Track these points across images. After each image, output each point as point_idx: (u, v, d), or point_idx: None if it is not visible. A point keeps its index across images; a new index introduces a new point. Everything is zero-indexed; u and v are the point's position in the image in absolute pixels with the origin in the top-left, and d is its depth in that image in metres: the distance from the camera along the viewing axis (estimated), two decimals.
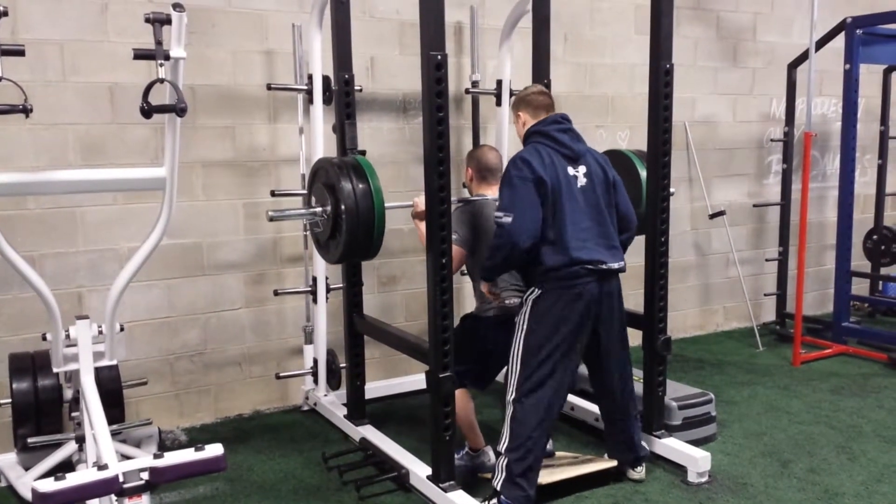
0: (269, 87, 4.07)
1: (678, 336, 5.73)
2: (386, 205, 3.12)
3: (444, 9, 2.91)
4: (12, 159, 3.64)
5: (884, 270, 6.27)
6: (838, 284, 5.60)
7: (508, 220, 3.01)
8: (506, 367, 3.24)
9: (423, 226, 3.27)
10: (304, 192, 4.12)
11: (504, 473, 3.08)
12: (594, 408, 3.91)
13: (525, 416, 3.09)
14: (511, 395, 3.13)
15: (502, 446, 3.11)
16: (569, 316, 3.10)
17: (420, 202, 3.34)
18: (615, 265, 3.17)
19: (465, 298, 4.67)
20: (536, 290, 3.12)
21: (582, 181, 3.17)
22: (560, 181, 3.10)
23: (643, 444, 3.50)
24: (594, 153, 3.32)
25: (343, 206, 3.06)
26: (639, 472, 3.47)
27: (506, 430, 3.12)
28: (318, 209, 3.23)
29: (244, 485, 3.47)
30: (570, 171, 3.16)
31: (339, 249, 3.17)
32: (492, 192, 3.46)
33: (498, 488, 3.08)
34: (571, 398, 4.08)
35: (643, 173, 3.76)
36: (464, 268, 3.58)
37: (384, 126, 4.55)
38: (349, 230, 3.07)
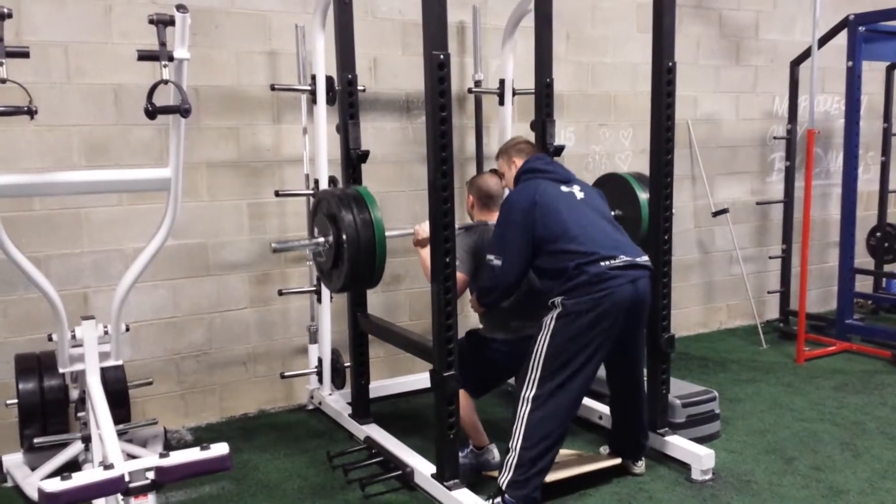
0: (272, 88, 4.09)
1: (682, 334, 5.73)
2: (387, 233, 3.18)
3: (446, 8, 2.92)
4: (17, 161, 3.65)
5: (887, 267, 6.26)
6: (842, 282, 5.59)
7: (499, 262, 3.16)
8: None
9: (424, 253, 3.31)
10: (308, 192, 4.15)
11: (511, 473, 3.03)
12: (597, 406, 3.93)
13: (543, 417, 3.02)
14: (530, 392, 3.04)
15: (514, 444, 3.04)
16: (599, 322, 3.03)
17: (421, 230, 3.38)
18: (639, 259, 3.14)
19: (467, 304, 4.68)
20: (566, 297, 3.04)
21: (580, 195, 3.25)
22: (557, 197, 3.18)
23: (646, 438, 3.52)
24: (582, 180, 3.42)
25: (345, 236, 3.12)
26: (639, 467, 3.48)
27: (520, 429, 3.04)
28: (321, 240, 3.29)
29: (249, 484, 3.49)
30: (564, 189, 3.25)
31: (342, 279, 3.23)
32: (492, 219, 3.46)
33: (503, 487, 3.05)
34: None
35: (642, 196, 3.80)
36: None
37: (387, 126, 4.56)
38: (351, 259, 3.13)
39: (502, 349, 3.44)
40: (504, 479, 3.05)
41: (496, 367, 3.50)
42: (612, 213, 3.82)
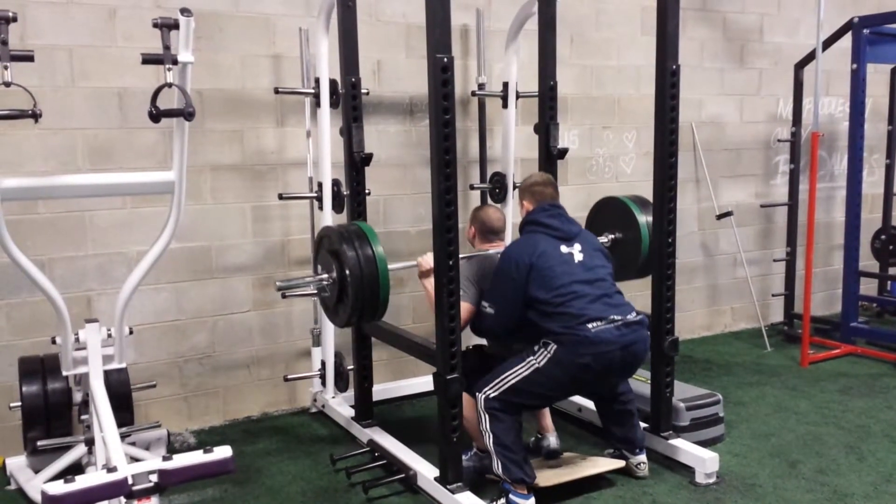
0: (276, 91, 4.09)
1: (686, 337, 5.72)
2: (390, 266, 3.19)
3: (450, 12, 2.92)
4: (22, 164, 3.66)
5: (892, 270, 6.24)
6: (846, 284, 5.58)
7: (491, 311, 3.28)
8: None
9: (429, 285, 3.35)
10: (312, 195, 4.15)
11: (499, 459, 3.15)
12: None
13: (505, 420, 3.15)
14: (492, 391, 3.16)
15: (489, 441, 3.16)
16: (583, 380, 3.16)
17: (424, 261, 3.40)
18: (630, 317, 3.18)
19: None
20: (558, 347, 3.10)
21: (578, 257, 3.28)
22: (553, 260, 3.20)
23: (640, 431, 3.53)
24: (589, 234, 3.47)
25: (348, 272, 3.13)
26: (642, 469, 3.47)
27: (487, 429, 3.17)
28: (325, 276, 3.30)
29: (253, 487, 3.49)
30: (564, 249, 3.27)
31: (347, 312, 3.24)
32: (494, 248, 3.54)
33: (500, 473, 3.13)
34: (578, 399, 4.09)
35: (641, 219, 3.81)
36: None
37: (391, 129, 4.57)
38: (355, 294, 3.14)
39: None
40: (497, 466, 3.16)
41: None
42: (612, 237, 3.96)
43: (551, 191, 3.50)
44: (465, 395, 3.20)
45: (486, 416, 3.17)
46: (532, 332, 3.20)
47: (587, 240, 3.39)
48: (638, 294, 3.99)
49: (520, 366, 3.16)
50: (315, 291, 3.42)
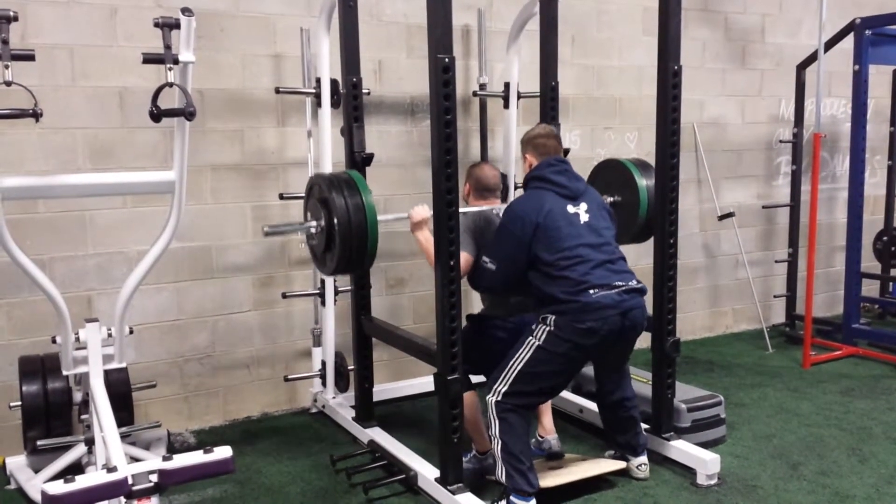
0: (277, 91, 4.09)
1: (687, 338, 5.71)
2: (380, 217, 3.16)
3: (451, 12, 2.92)
4: (22, 163, 3.66)
5: (894, 272, 6.23)
6: (848, 286, 5.57)
7: (493, 267, 3.23)
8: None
9: (422, 237, 3.34)
10: None
11: (505, 467, 3.11)
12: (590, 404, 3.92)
13: (515, 427, 3.12)
14: (503, 386, 3.12)
15: (497, 447, 3.13)
16: (584, 349, 3.11)
17: (415, 213, 3.36)
18: (632, 283, 3.16)
19: (472, 301, 4.66)
20: (557, 318, 3.08)
21: (584, 217, 3.23)
22: (560, 220, 3.16)
23: (643, 436, 3.52)
24: (594, 192, 3.40)
25: (336, 220, 3.10)
26: (643, 471, 3.47)
27: (496, 435, 3.13)
28: (313, 223, 3.27)
29: (252, 487, 3.48)
30: (571, 208, 3.22)
31: (335, 261, 3.21)
32: (488, 204, 3.52)
33: (504, 481, 3.11)
34: (580, 400, 4.09)
35: (641, 182, 3.79)
36: None
37: (392, 129, 4.56)
38: (343, 243, 3.11)
39: (506, 326, 3.45)
40: (500, 472, 3.13)
41: (503, 348, 3.43)
42: (612, 199, 3.88)
43: (555, 143, 3.42)
44: (465, 396, 3.19)
45: (497, 420, 3.13)
46: (531, 289, 3.19)
47: (593, 198, 3.33)
48: None
49: (522, 350, 3.14)
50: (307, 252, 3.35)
